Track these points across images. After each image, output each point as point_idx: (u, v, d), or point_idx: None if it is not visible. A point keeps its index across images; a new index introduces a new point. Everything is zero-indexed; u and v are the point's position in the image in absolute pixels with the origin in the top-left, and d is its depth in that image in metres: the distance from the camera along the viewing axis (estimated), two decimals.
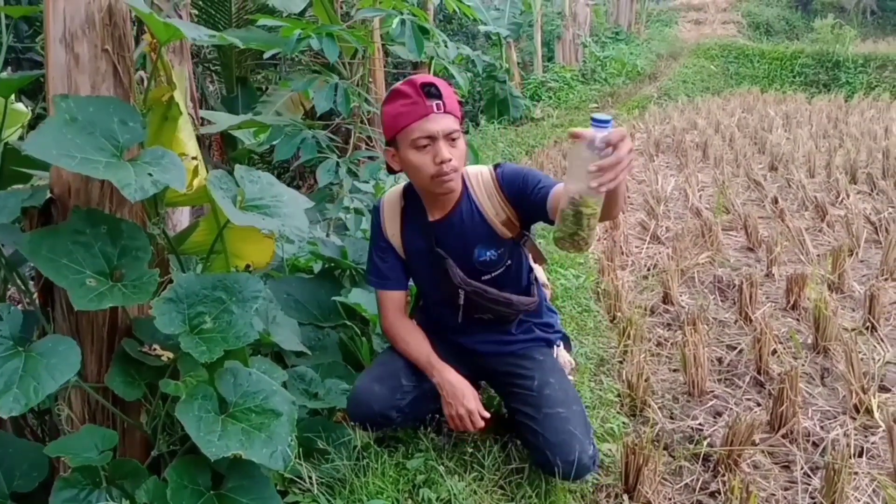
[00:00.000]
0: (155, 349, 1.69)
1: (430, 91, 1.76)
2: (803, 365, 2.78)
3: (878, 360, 2.76)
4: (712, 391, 2.64)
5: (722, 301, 3.56)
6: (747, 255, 4.32)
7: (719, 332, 3.17)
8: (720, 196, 5.23)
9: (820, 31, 14.16)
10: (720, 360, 2.90)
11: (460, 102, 1.88)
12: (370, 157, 3.07)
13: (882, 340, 2.96)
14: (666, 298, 3.51)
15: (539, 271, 2.18)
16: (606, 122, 1.41)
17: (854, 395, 2.45)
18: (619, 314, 3.25)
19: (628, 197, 5.56)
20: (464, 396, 1.89)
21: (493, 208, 1.89)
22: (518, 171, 1.90)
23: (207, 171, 1.76)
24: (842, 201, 5.32)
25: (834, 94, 12.20)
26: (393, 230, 1.99)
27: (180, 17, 2.15)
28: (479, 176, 1.93)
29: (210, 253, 1.90)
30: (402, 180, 2.13)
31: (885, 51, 14.21)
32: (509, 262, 1.95)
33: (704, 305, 3.37)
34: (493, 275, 1.94)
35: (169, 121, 1.77)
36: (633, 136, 8.34)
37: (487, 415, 1.92)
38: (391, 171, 1.93)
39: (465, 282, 1.92)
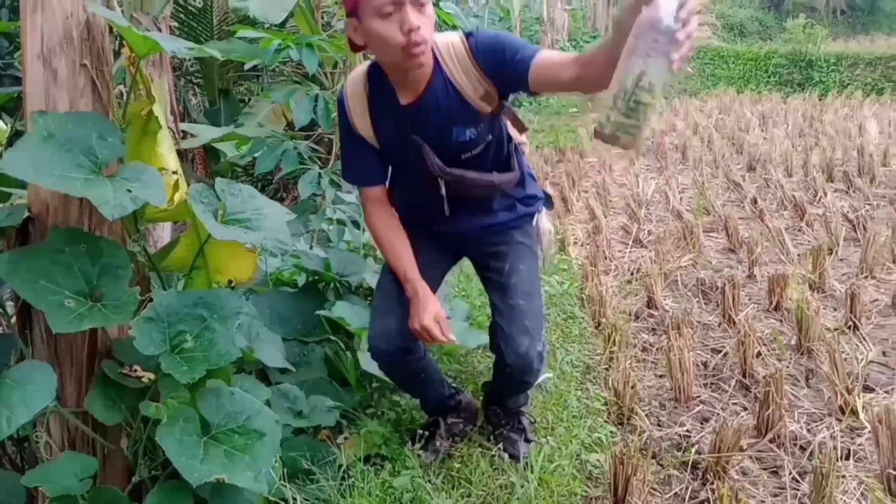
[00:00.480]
0: (136, 370, 1.65)
1: None
2: (788, 367, 2.79)
3: (861, 359, 2.78)
4: (699, 396, 2.64)
5: (705, 304, 3.57)
6: (729, 256, 4.35)
7: (704, 335, 3.18)
8: (700, 198, 5.27)
9: (792, 32, 14.35)
10: (705, 365, 2.90)
11: None
12: None
13: (864, 339, 2.98)
14: (650, 303, 3.52)
15: (514, 132, 2.02)
16: None
17: (839, 396, 2.47)
18: (603, 320, 3.25)
19: (610, 200, 5.58)
20: (423, 311, 1.78)
21: (469, 84, 1.71)
22: (495, 38, 1.69)
23: (189, 186, 1.73)
24: (819, 199, 5.39)
25: (808, 93, 12.39)
26: (363, 123, 1.80)
27: (160, 29, 2.11)
28: (451, 48, 1.71)
29: (192, 269, 1.87)
30: None
31: (855, 49, 14.44)
32: (490, 136, 1.81)
33: (688, 309, 3.39)
34: (473, 153, 1.81)
35: (148, 135, 1.73)
36: None
37: (453, 337, 1.83)
38: (354, 48, 1.71)
39: (443, 171, 1.78)
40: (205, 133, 3.02)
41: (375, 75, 1.77)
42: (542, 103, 11.45)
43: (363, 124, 1.80)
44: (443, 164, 1.77)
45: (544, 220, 2.10)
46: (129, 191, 1.44)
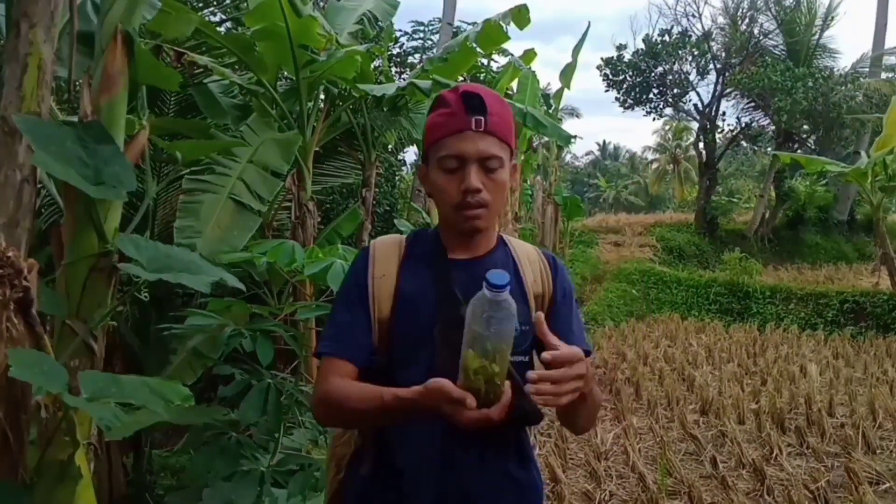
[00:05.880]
0: None
1: (472, 103, 1.39)
2: None
3: None
4: None
5: None
6: None
7: None
8: (662, 458, 5.10)
9: (729, 263, 15.22)
10: None
11: (518, 126, 1.40)
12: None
13: None
14: None
15: None
16: (501, 286, 1.12)
17: None
18: None
19: (567, 450, 5.36)
20: (440, 393, 1.18)
21: (532, 273, 1.52)
22: (570, 285, 1.58)
23: None
24: (776, 458, 5.31)
25: (748, 323, 12.84)
26: (385, 269, 1.47)
27: (95, 339, 1.94)
28: (526, 248, 1.59)
29: None
30: None
31: (788, 282, 15.30)
32: (529, 356, 1.42)
33: None
34: (521, 358, 1.37)
35: (66, 482, 1.50)
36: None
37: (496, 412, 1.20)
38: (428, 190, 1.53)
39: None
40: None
41: (416, 241, 1.56)
42: None
43: (384, 271, 1.47)
44: None
45: None
46: None
